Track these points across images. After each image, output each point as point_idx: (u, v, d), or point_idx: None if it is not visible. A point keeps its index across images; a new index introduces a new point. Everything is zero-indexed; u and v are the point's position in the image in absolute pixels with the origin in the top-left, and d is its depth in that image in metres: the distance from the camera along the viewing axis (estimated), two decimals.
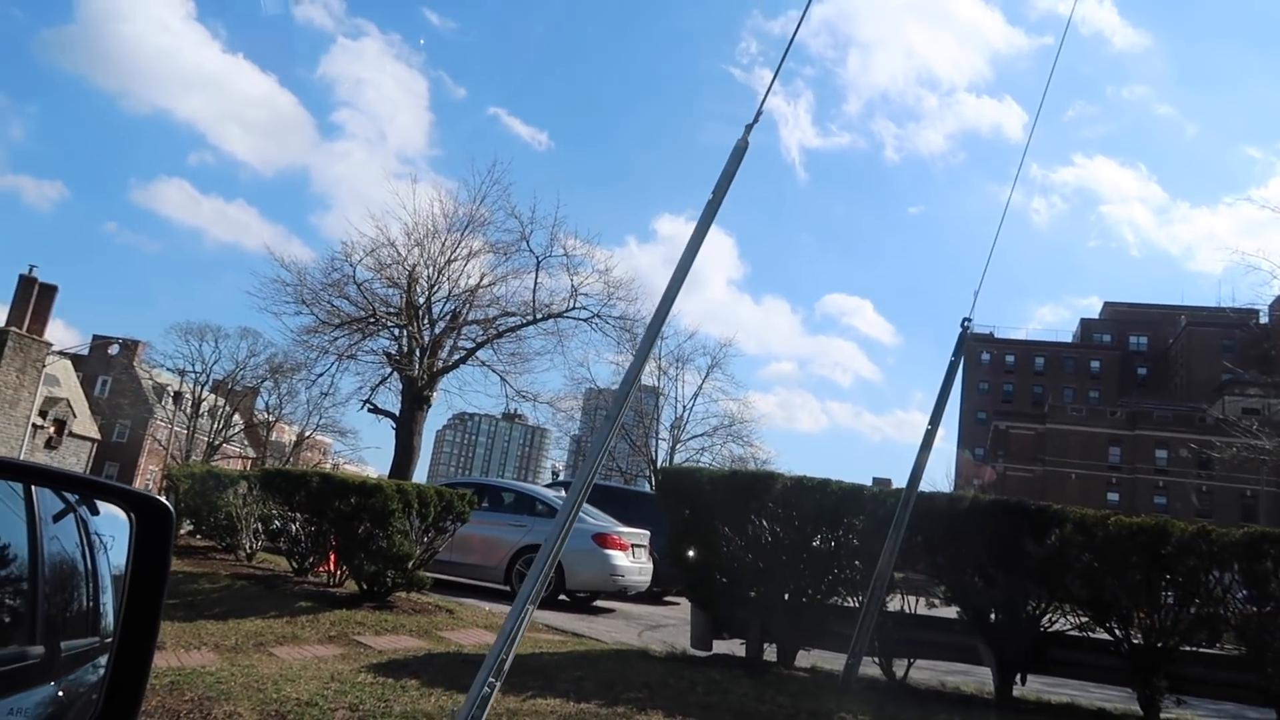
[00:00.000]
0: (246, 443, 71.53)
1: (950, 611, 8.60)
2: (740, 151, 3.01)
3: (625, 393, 2.93)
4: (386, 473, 25.62)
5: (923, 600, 8.77)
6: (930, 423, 7.21)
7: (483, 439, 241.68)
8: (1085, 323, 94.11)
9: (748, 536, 8.92)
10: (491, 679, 2.74)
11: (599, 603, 14.62)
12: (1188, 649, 7.79)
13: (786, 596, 8.85)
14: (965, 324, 7.09)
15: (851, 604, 8.76)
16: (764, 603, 8.88)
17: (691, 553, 9.02)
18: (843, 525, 8.58)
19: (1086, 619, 8.06)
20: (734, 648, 9.16)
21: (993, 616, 8.22)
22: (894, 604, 8.59)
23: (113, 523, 2.01)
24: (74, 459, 54.38)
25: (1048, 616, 8.16)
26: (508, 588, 13.58)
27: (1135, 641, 7.85)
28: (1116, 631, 7.87)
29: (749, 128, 3.03)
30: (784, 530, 8.79)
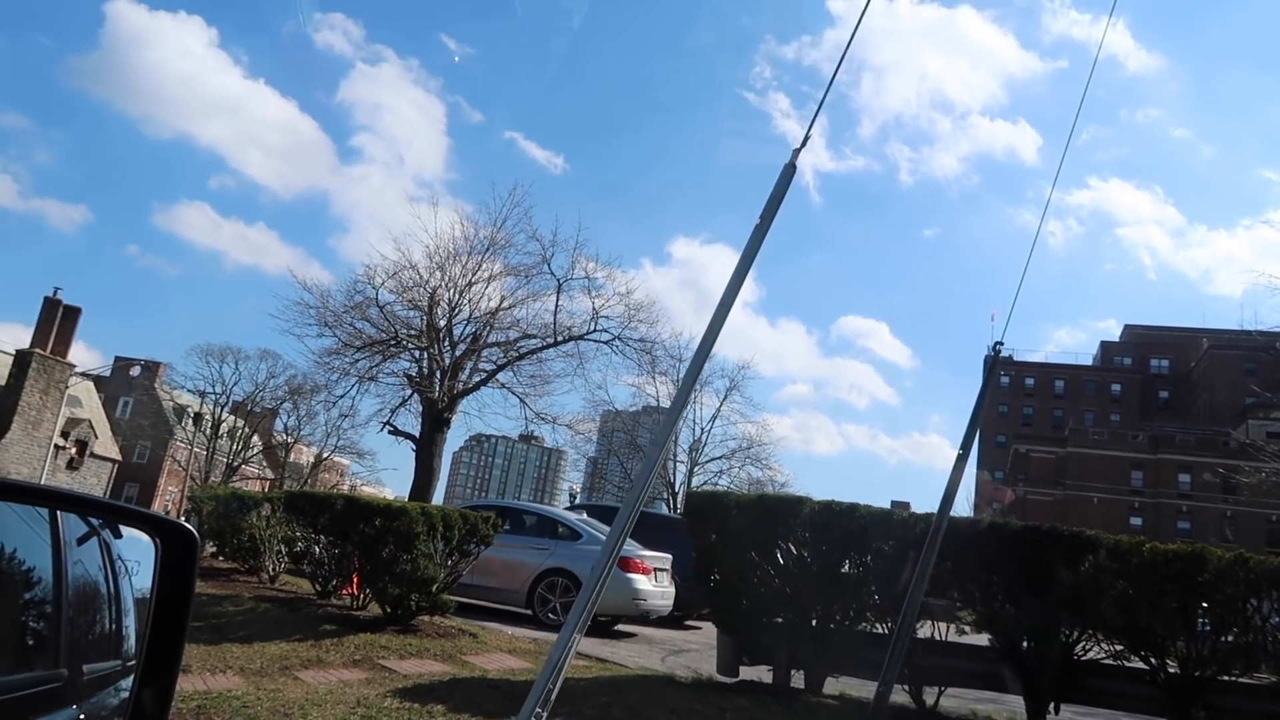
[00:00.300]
0: (265, 464, 71.84)
1: (981, 639, 8.49)
2: (788, 175, 3.00)
3: (674, 418, 2.90)
4: (403, 494, 25.67)
5: (952, 627, 8.66)
6: (961, 447, 7.14)
7: (499, 461, 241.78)
8: (1105, 345, 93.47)
9: (774, 561, 8.85)
10: (539, 709, 2.71)
11: (620, 627, 14.53)
12: (1225, 678, 7.65)
13: (814, 622, 8.77)
14: (996, 348, 7.03)
15: (880, 630, 8.66)
16: (791, 628, 8.79)
17: (717, 577, 8.95)
18: (871, 550, 8.50)
19: (1121, 647, 7.94)
20: (761, 674, 9.07)
21: (1025, 644, 8.11)
22: (923, 630, 8.48)
23: (136, 546, 2.03)
24: (95, 480, 54.73)
25: (1081, 644, 8.03)
26: (529, 611, 13.52)
27: (1171, 671, 7.71)
28: (1152, 660, 7.74)
29: (796, 151, 3.02)
30: (811, 555, 8.71)
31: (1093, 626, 7.98)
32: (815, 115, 2.92)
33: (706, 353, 2.85)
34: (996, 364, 7.06)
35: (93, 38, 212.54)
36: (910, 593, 7.41)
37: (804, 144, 2.97)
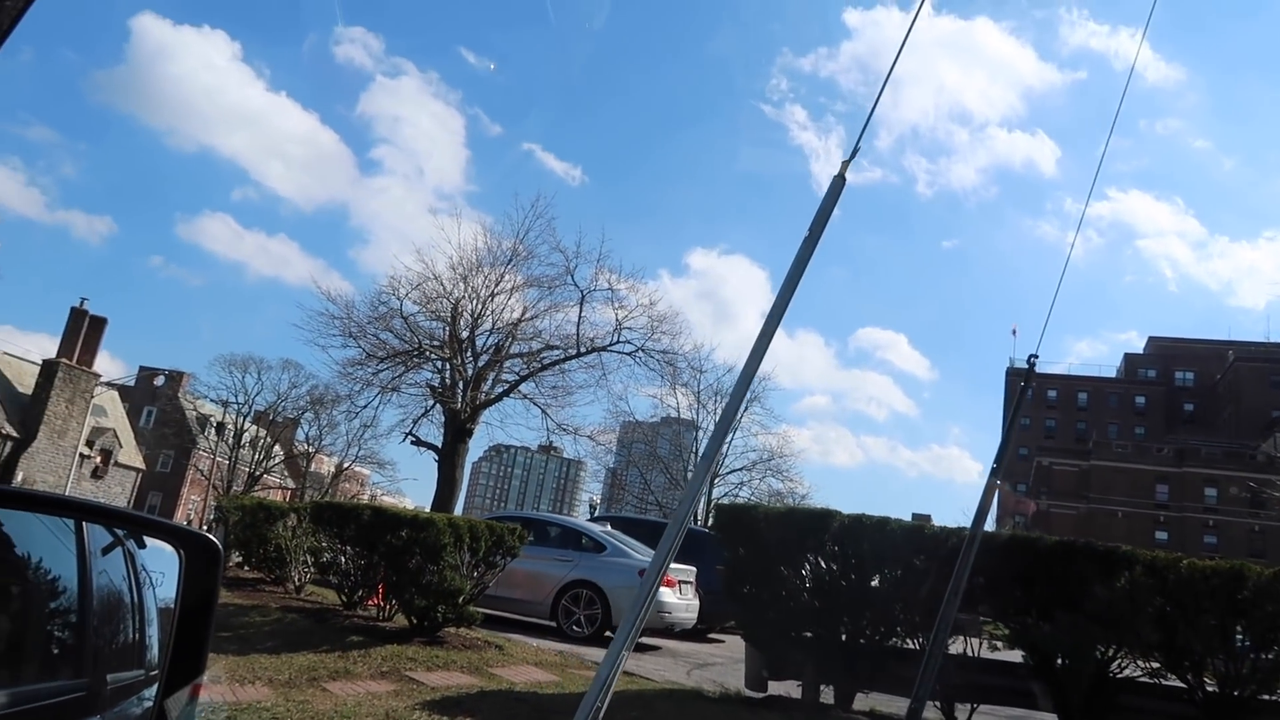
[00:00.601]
0: (286, 473, 72.22)
1: (1014, 655, 8.38)
2: (838, 187, 2.97)
3: (722, 432, 2.88)
4: (423, 504, 25.72)
5: (984, 643, 8.55)
6: (996, 460, 7.06)
7: (518, 471, 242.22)
8: (1129, 358, 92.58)
9: (804, 575, 8.79)
10: None
11: (643, 639, 14.47)
12: (1265, 698, 7.51)
13: (844, 637, 8.69)
14: (1030, 361, 6.95)
15: (911, 646, 8.58)
16: (821, 643, 8.72)
17: (746, 591, 8.89)
18: (902, 565, 8.42)
19: (1157, 665, 7.81)
20: (789, 689, 8.99)
21: (1059, 661, 7.99)
22: (956, 647, 8.38)
23: (159, 557, 2.04)
24: (119, 489, 55.17)
25: (1116, 661, 7.91)
26: (553, 623, 13.48)
27: (1209, 689, 7.58)
28: (1189, 678, 7.61)
29: (845, 163, 3.00)
30: (841, 569, 8.64)
31: (1128, 644, 7.86)
32: (864, 127, 2.89)
33: (756, 365, 2.82)
34: (1031, 376, 6.99)
35: (118, 52, 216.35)
36: (943, 608, 7.32)
37: (853, 155, 2.94)
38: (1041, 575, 7.96)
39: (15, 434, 43.51)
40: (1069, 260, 7.08)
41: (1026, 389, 7.06)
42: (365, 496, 66.73)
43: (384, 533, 10.33)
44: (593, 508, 54.64)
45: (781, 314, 2.85)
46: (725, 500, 42.09)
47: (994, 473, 7.12)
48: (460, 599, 10.01)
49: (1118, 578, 7.73)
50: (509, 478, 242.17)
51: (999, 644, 8.80)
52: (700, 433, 44.20)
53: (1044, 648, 7.97)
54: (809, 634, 8.83)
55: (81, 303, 45.42)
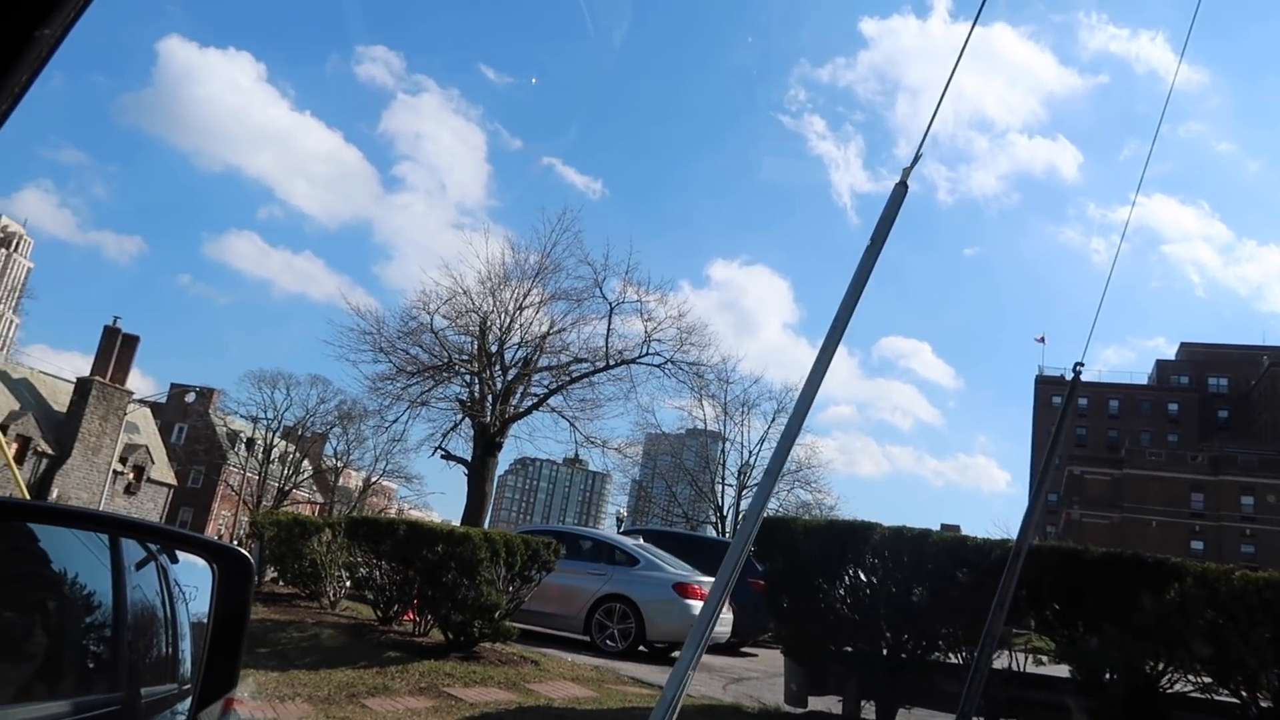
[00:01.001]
0: (315, 488, 72.70)
1: (1060, 670, 8.23)
2: (899, 195, 2.93)
3: (785, 448, 2.83)
4: (449, 518, 25.75)
5: (1030, 657, 8.40)
6: (1042, 470, 6.94)
7: (544, 484, 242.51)
8: (1161, 364, 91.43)
9: (844, 588, 8.68)
10: None
11: (676, 654, 14.36)
12: None
13: (885, 652, 8.57)
14: (1077, 369, 6.83)
15: (954, 660, 8.44)
16: (862, 658, 8.60)
17: (786, 604, 8.80)
18: (945, 578, 8.29)
19: (1209, 679, 7.63)
20: (830, 705, 8.88)
21: (1107, 675, 7.83)
22: (999, 661, 8.23)
23: (192, 571, 2.06)
24: (151, 504, 55.74)
25: (1167, 676, 7.75)
26: (587, 637, 13.41)
27: (1264, 704, 7.39)
28: (1243, 694, 7.43)
29: (907, 170, 2.95)
30: (882, 582, 8.53)
31: (1179, 658, 7.69)
32: (926, 134, 2.84)
33: (820, 377, 2.77)
34: (1076, 385, 6.86)
35: (145, 75, 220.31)
36: (989, 622, 7.20)
37: (914, 163, 2.90)
38: (1088, 587, 7.81)
39: (51, 451, 44.10)
40: (1113, 269, 6.96)
41: (1072, 399, 6.93)
42: (393, 510, 66.99)
43: (420, 548, 10.32)
44: (619, 520, 54.54)
45: (845, 325, 2.81)
46: (775, 514, 41.93)
47: (1040, 484, 7.01)
48: (496, 614, 9.99)
49: (1167, 590, 7.57)
50: (534, 490, 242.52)
51: (1044, 658, 8.66)
52: (727, 444, 44.09)
53: (1092, 662, 7.81)
54: (849, 648, 8.72)
55: (114, 321, 46.13)
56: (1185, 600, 7.48)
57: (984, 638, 7.21)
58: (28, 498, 17.10)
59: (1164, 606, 7.54)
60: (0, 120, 0.98)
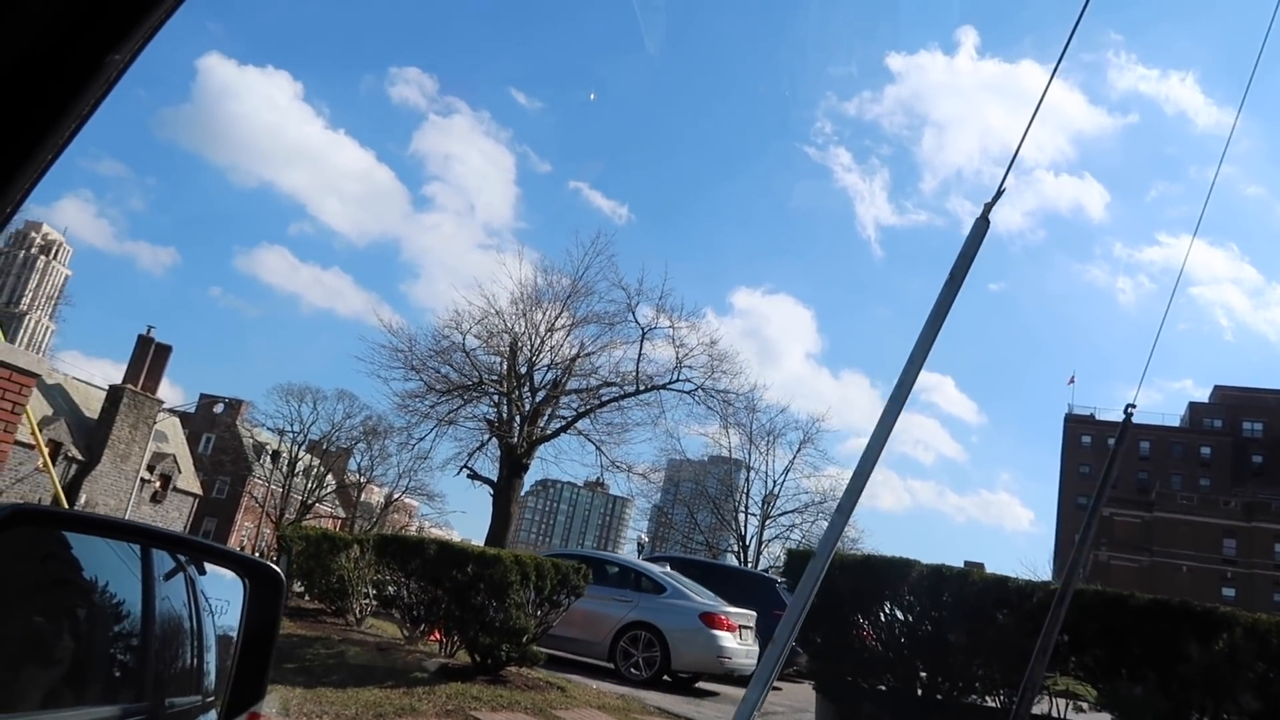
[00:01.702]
0: (338, 502, 72.95)
1: (1101, 718, 8.04)
2: (981, 230, 2.87)
3: (855, 493, 2.76)
4: (469, 537, 25.71)
5: (1070, 704, 8.22)
6: (1089, 515, 6.79)
7: (564, 506, 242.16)
8: (1194, 406, 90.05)
9: (879, 625, 8.54)
10: None
11: (701, 685, 14.19)
12: None
13: (920, 691, 8.41)
14: (1128, 411, 6.70)
15: (990, 704, 8.26)
16: (895, 696, 8.45)
17: (819, 640, 8.66)
18: (984, 618, 8.13)
19: None
20: None
21: None
22: (1039, 706, 8.05)
23: (220, 584, 2.07)
24: (176, 514, 56.11)
25: None
26: (611, 664, 13.27)
27: None
28: None
29: (988, 206, 2.89)
30: (918, 620, 8.39)
31: (1226, 709, 7.49)
32: (1009, 169, 2.79)
33: (896, 414, 2.71)
34: (1127, 429, 6.72)
35: (185, 90, 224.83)
36: (1031, 667, 7.04)
37: (996, 198, 2.84)
38: (1133, 634, 7.64)
39: (80, 457, 44.59)
40: (1168, 310, 6.85)
41: (1123, 441, 6.80)
42: (414, 528, 67.11)
43: (450, 568, 10.27)
44: (641, 546, 54.23)
45: (922, 361, 2.75)
46: (775, 543, 41.50)
47: (1087, 527, 6.86)
48: (524, 638, 9.90)
49: (1215, 640, 7.39)
50: (554, 512, 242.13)
51: (1084, 704, 8.46)
52: (751, 472, 43.78)
53: (1135, 711, 7.62)
54: (883, 686, 8.57)
55: (149, 331, 46.72)
56: (1235, 651, 7.29)
57: (1024, 683, 7.05)
58: (64, 503, 17.27)
59: (1212, 657, 7.36)
60: (67, 140, 0.98)
